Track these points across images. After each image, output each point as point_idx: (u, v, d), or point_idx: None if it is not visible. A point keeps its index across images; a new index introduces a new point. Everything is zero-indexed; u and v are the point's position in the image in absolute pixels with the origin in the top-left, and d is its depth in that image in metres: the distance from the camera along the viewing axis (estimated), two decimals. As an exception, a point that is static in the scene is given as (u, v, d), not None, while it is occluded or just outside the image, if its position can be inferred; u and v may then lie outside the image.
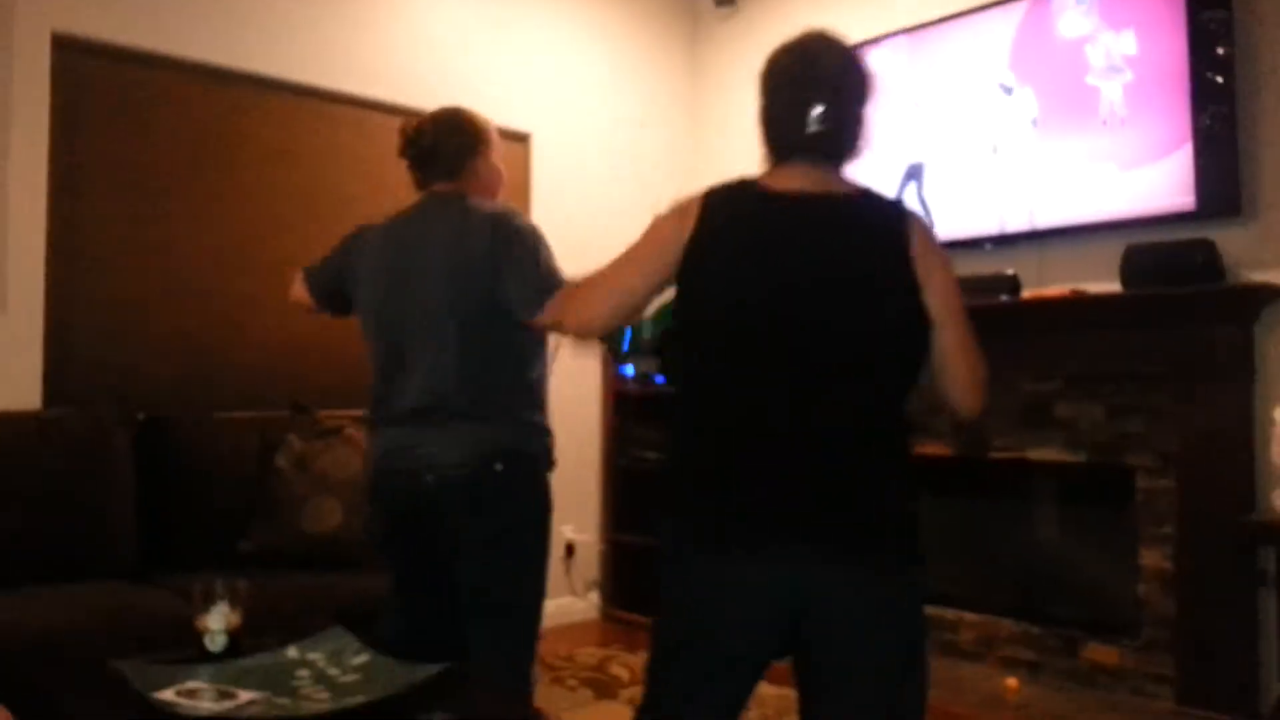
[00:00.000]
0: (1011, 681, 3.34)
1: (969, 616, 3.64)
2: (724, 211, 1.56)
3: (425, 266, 2.07)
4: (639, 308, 1.68)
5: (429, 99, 3.93)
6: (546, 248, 2.08)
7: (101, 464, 2.83)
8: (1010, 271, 3.51)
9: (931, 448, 3.76)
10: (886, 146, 3.92)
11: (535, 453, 2.11)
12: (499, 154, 2.27)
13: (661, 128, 4.84)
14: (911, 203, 3.82)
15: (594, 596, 4.49)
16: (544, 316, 1.99)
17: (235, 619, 1.72)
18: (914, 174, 3.86)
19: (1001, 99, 3.62)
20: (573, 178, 4.46)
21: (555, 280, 2.02)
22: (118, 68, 3.25)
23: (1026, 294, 3.48)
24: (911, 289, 1.51)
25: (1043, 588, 3.59)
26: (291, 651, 1.71)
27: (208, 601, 1.71)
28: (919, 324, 1.52)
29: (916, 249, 1.53)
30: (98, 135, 3.21)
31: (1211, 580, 3.02)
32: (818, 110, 1.55)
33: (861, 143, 1.61)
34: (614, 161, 4.61)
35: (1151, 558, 3.20)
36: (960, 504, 3.89)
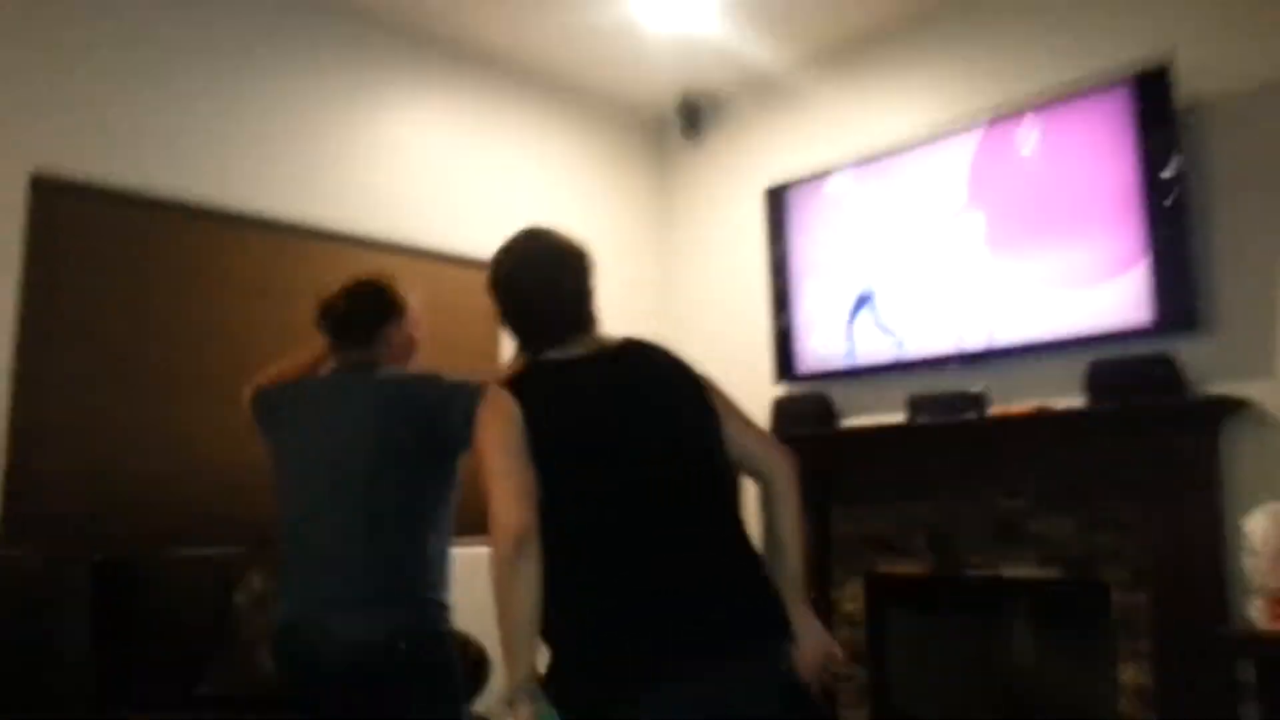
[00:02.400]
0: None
1: None
2: (533, 387, 1.70)
3: (333, 440, 2.08)
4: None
5: (404, 232, 4.04)
6: (458, 381, 2.11)
7: (56, 603, 2.75)
8: (976, 390, 3.55)
9: (906, 567, 3.73)
10: (841, 273, 4.02)
11: (442, 631, 2.08)
12: (415, 322, 2.32)
13: (631, 255, 4.93)
14: (866, 328, 3.89)
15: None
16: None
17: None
18: (864, 301, 3.95)
19: (957, 222, 3.72)
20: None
21: (476, 386, 2.01)
22: (95, 206, 3.28)
23: (992, 411, 3.52)
24: (700, 389, 1.77)
25: (1022, 706, 3.52)
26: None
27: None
28: (713, 413, 1.76)
29: (689, 364, 1.79)
30: (71, 274, 3.22)
31: (1190, 695, 2.97)
32: (531, 310, 1.79)
33: (593, 310, 1.82)
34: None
35: (1129, 673, 3.15)
36: (936, 623, 3.84)
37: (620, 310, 4.69)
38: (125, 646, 2.86)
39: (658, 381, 1.75)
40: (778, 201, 4.32)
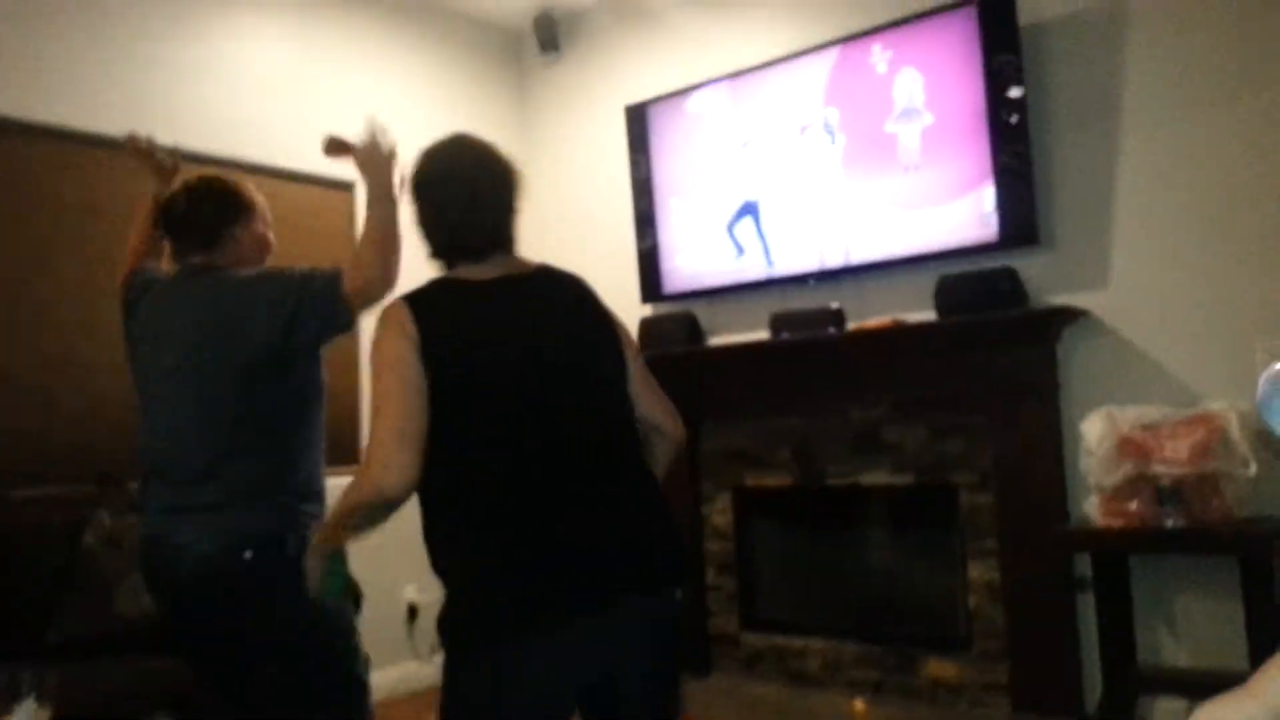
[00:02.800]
0: (859, 704, 3.43)
1: (814, 644, 3.73)
2: (439, 311, 1.61)
3: (167, 346, 1.98)
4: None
5: (244, 148, 3.83)
6: (303, 268, 2.00)
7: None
8: (834, 305, 3.65)
9: (771, 479, 3.85)
10: (705, 191, 4.03)
11: (299, 535, 1.96)
12: (265, 222, 2.18)
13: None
14: (748, 237, 3.93)
15: (438, 660, 4.34)
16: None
17: (44, 715, 1.57)
18: (749, 209, 3.97)
19: (816, 141, 3.78)
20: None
21: (332, 272, 1.94)
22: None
23: (850, 326, 3.63)
24: (614, 338, 1.72)
25: (881, 609, 3.71)
26: (112, 747, 1.58)
27: (13, 697, 1.56)
28: (625, 365, 1.72)
29: (603, 306, 1.75)
30: None
31: (1034, 589, 3.19)
32: (455, 219, 1.68)
33: (515, 229, 1.76)
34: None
35: (979, 571, 3.36)
36: (799, 532, 3.99)
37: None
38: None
39: (575, 322, 1.70)
40: (639, 119, 4.28)
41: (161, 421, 1.98)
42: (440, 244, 1.70)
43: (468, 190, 1.69)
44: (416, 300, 1.61)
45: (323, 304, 1.91)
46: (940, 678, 3.42)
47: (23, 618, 2.67)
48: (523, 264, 1.74)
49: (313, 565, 1.65)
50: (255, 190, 2.17)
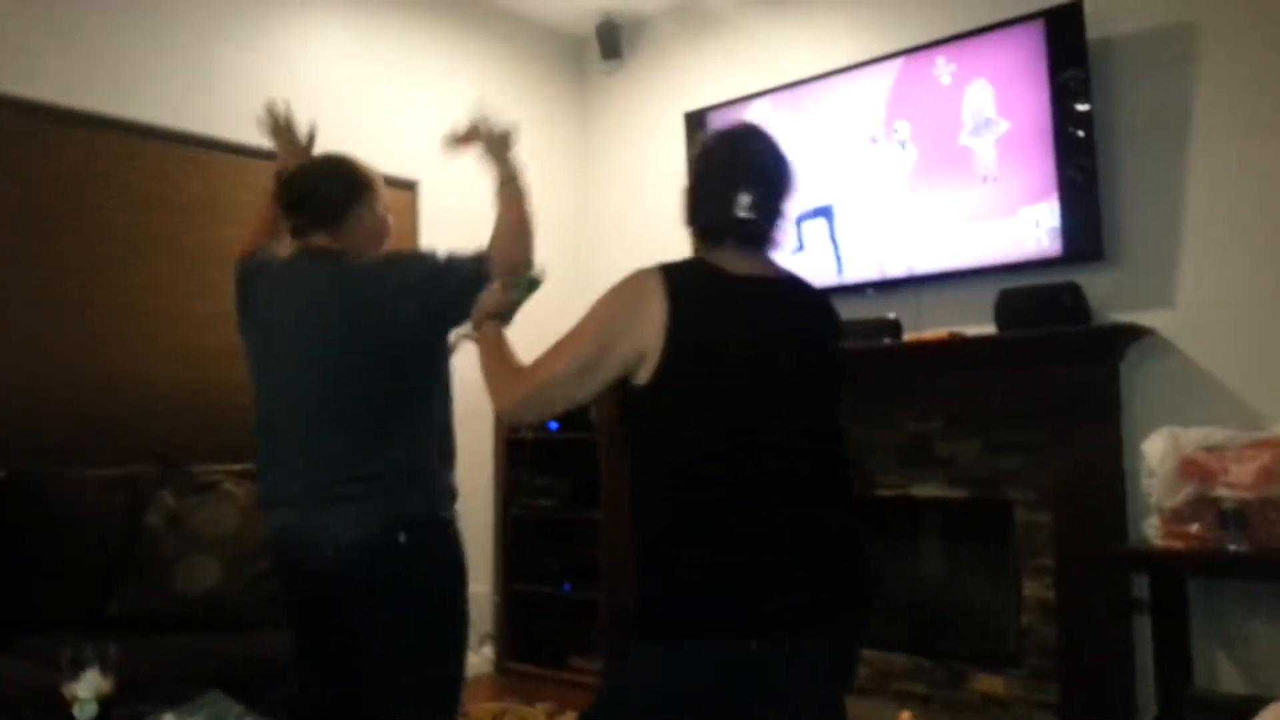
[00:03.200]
0: (906, 715, 3.39)
1: (864, 654, 3.68)
2: (696, 291, 1.56)
3: (292, 331, 1.95)
4: (589, 389, 1.60)
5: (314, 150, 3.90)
6: (442, 253, 1.98)
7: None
8: (891, 315, 3.62)
9: (821, 489, 3.82)
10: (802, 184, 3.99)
11: (446, 516, 1.99)
12: (386, 203, 2.15)
13: (550, 180, 4.86)
14: (820, 240, 3.90)
15: (487, 650, 4.38)
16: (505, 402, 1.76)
17: (106, 686, 1.61)
18: (824, 213, 3.92)
19: (875, 153, 3.76)
20: (461, 227, 4.40)
21: (474, 257, 1.92)
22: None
23: (907, 337, 3.59)
24: (841, 366, 1.71)
25: (931, 622, 3.67)
26: (168, 718, 1.61)
27: (76, 668, 1.60)
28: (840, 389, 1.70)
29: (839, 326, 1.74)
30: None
31: (1089, 608, 3.13)
32: (746, 198, 1.62)
33: (783, 233, 1.69)
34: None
35: (1032, 588, 3.30)
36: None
37: (539, 237, 4.67)
38: (30, 568, 2.76)
39: (821, 335, 1.69)
40: (697, 126, 4.29)
41: (285, 409, 1.96)
42: (697, 220, 1.67)
43: (765, 174, 1.67)
44: (673, 276, 1.56)
45: (467, 287, 1.88)
46: (989, 693, 3.37)
47: (86, 593, 2.74)
48: (775, 268, 1.69)
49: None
50: (374, 169, 2.15)
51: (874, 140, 3.77)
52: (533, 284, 1.89)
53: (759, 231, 1.64)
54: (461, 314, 1.88)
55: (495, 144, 2.04)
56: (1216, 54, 3.16)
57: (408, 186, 4.19)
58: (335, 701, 1.96)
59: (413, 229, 4.22)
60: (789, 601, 1.50)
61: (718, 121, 4.22)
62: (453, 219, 4.37)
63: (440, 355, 2.03)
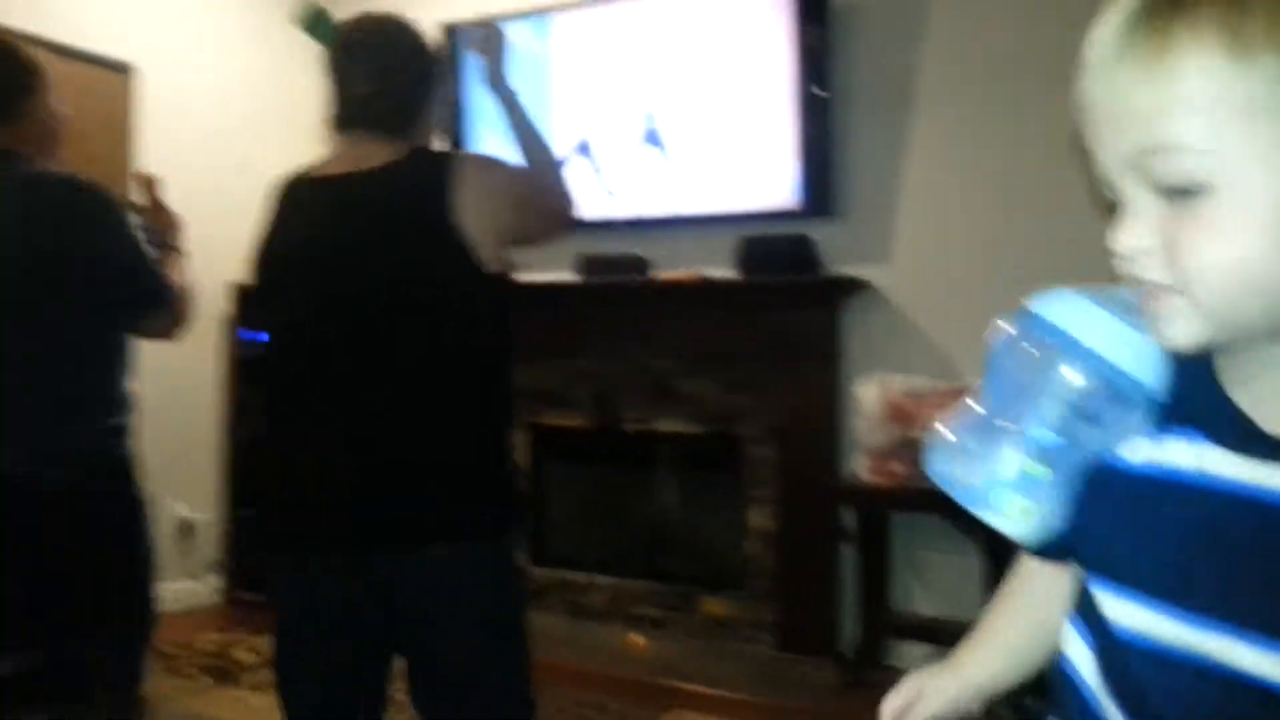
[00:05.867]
0: (638, 638, 3.61)
1: (600, 579, 3.88)
2: (283, 202, 1.65)
3: None
4: None
5: (12, 14, 3.41)
6: (142, 236, 1.88)
7: None
8: (639, 253, 3.72)
9: (568, 419, 3.93)
10: (556, 120, 3.95)
11: (116, 455, 1.90)
12: (61, 97, 1.95)
13: (287, 77, 4.53)
14: (583, 177, 3.86)
15: (214, 579, 4.21)
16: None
17: None
18: (583, 149, 3.90)
19: (629, 90, 3.79)
20: (185, 121, 4.04)
21: (163, 284, 1.86)
22: None
23: (654, 276, 3.71)
24: (452, 249, 1.51)
25: (666, 549, 3.91)
26: None
27: None
28: (466, 282, 1.53)
29: (460, 193, 1.52)
30: None
31: (804, 538, 3.44)
32: (363, 77, 1.61)
33: (419, 115, 1.66)
34: (233, 107, 4.28)
35: (756, 518, 3.58)
36: (593, 473, 4.11)
37: (275, 147, 4.37)
38: None
39: (409, 228, 1.55)
40: (454, 40, 4.13)
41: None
42: (330, 111, 1.67)
43: (352, 57, 1.64)
44: (282, 183, 1.68)
45: (145, 300, 1.94)
46: (715, 615, 3.65)
47: None
48: (381, 155, 1.59)
49: None
50: (42, 60, 1.93)
51: (629, 77, 3.79)
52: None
53: (376, 111, 1.62)
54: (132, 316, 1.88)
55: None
56: (943, 22, 3.40)
57: (120, 70, 3.75)
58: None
59: (124, 120, 3.79)
60: (309, 520, 1.57)
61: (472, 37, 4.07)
62: (175, 109, 4.00)
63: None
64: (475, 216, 1.51)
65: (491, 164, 1.67)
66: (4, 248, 1.78)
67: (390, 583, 1.52)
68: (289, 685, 1.61)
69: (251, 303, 1.61)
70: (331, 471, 1.53)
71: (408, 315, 1.52)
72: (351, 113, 1.62)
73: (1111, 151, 0.63)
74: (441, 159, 1.62)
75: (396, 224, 1.54)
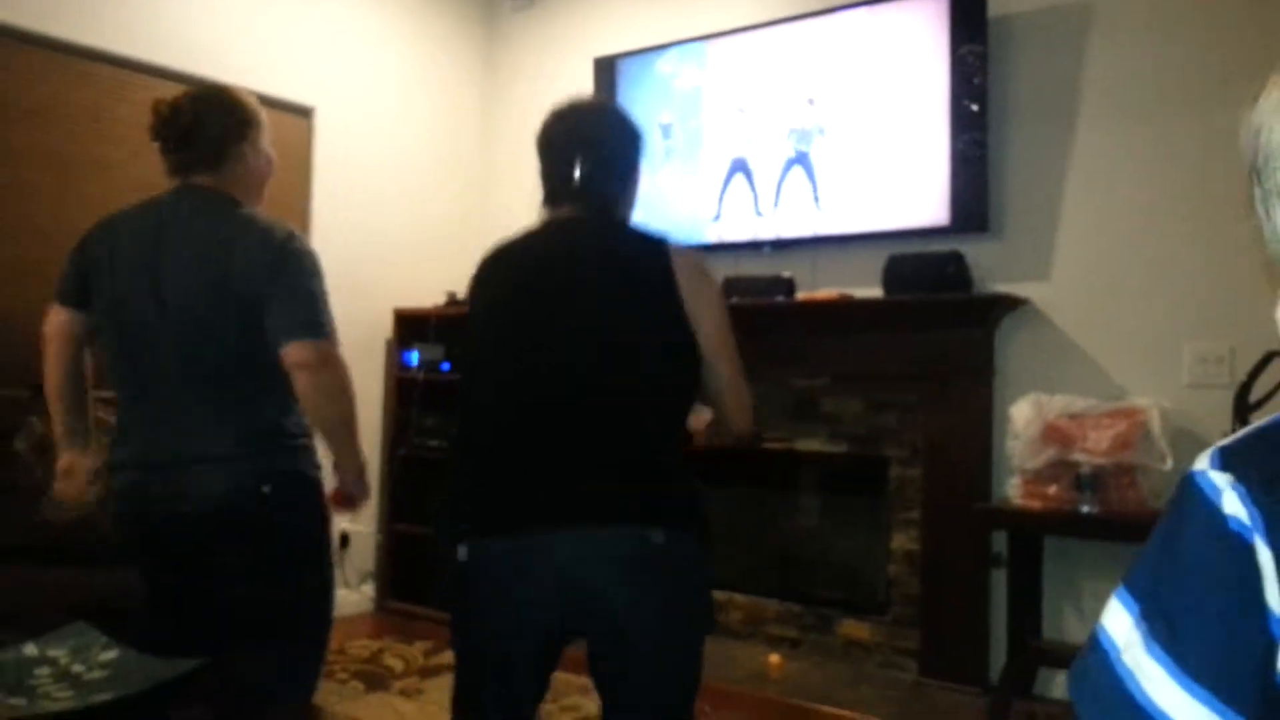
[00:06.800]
0: (774, 658, 3.52)
1: (738, 598, 3.81)
2: (510, 247, 1.75)
3: (179, 274, 1.86)
4: None
5: (202, 64, 3.74)
6: (322, 282, 1.94)
7: None
8: (786, 274, 3.69)
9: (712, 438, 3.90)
10: (709, 145, 3.99)
11: (310, 474, 1.99)
12: (270, 140, 2.07)
13: (453, 118, 4.77)
14: (739, 196, 3.89)
15: (368, 588, 4.38)
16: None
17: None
18: (740, 167, 3.93)
19: (781, 111, 3.79)
20: (358, 159, 4.31)
21: (324, 321, 1.89)
22: None
23: (800, 296, 3.67)
24: (676, 317, 1.65)
25: (805, 570, 3.82)
26: (29, 648, 1.59)
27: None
28: (684, 352, 1.68)
29: (681, 279, 1.65)
30: None
31: (951, 561, 3.30)
32: (580, 166, 1.72)
33: (630, 189, 1.79)
34: (402, 146, 4.52)
35: (900, 541, 3.46)
36: (734, 492, 4.06)
37: (436, 173, 4.61)
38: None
39: (622, 278, 1.69)
40: (607, 74, 4.26)
41: (149, 364, 1.90)
42: (544, 193, 1.79)
43: (566, 148, 1.75)
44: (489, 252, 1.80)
45: (294, 328, 1.93)
46: (854, 638, 3.53)
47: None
48: (600, 216, 1.76)
49: None
50: (259, 105, 2.05)
51: (782, 99, 3.80)
52: None
53: (592, 191, 1.74)
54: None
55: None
56: (1105, 38, 3.28)
57: (303, 113, 4.07)
58: (187, 645, 1.96)
59: (306, 159, 4.10)
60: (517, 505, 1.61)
61: (627, 68, 4.20)
62: (350, 151, 4.28)
63: None
64: (688, 291, 1.67)
65: (702, 268, 1.76)
66: (225, 279, 1.87)
67: (580, 558, 1.57)
68: (472, 682, 1.66)
69: (469, 342, 1.73)
70: (550, 466, 1.60)
71: (638, 358, 1.65)
72: (568, 190, 1.74)
73: None
74: (656, 238, 1.72)
75: (629, 283, 1.68)
